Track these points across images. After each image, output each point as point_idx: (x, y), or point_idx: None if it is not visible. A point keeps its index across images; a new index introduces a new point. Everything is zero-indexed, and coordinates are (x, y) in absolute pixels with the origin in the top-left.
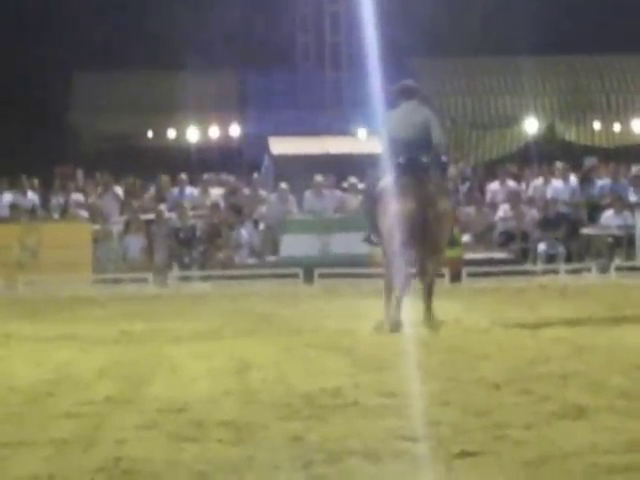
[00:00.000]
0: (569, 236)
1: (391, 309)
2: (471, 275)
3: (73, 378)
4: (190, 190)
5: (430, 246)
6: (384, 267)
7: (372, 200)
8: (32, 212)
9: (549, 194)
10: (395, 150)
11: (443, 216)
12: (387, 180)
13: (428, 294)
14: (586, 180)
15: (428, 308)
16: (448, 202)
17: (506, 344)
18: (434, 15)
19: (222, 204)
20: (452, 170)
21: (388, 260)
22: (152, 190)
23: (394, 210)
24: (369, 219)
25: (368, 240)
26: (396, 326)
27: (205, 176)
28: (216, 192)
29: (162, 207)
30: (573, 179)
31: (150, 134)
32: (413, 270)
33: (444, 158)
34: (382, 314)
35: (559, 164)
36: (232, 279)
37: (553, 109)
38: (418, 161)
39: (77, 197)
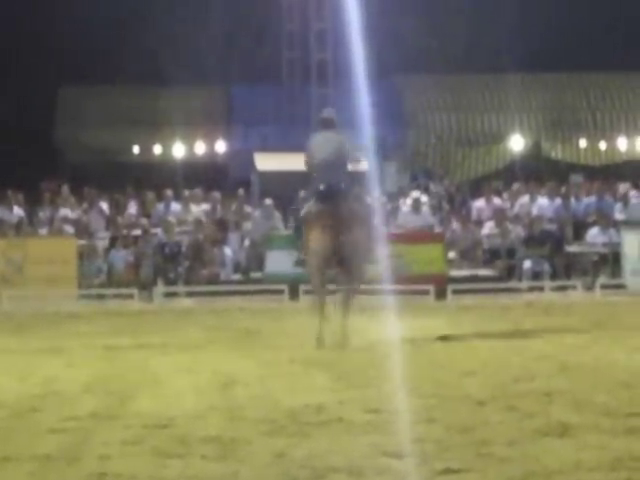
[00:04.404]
0: (554, 253)
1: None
2: (456, 292)
3: (58, 393)
4: (175, 206)
5: (344, 269)
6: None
7: (300, 223)
8: (18, 227)
9: (534, 211)
10: (317, 173)
11: (356, 243)
12: (310, 205)
13: (343, 312)
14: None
15: (343, 325)
16: (363, 228)
17: (491, 361)
18: (420, 32)
19: (207, 220)
20: (436, 187)
21: (312, 280)
22: (132, 205)
23: (313, 237)
24: (298, 241)
25: (299, 262)
26: (320, 342)
27: (187, 192)
28: (201, 208)
29: (146, 222)
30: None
31: (136, 149)
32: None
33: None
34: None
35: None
36: (217, 295)
37: (539, 126)
38: (336, 188)
39: (65, 212)
